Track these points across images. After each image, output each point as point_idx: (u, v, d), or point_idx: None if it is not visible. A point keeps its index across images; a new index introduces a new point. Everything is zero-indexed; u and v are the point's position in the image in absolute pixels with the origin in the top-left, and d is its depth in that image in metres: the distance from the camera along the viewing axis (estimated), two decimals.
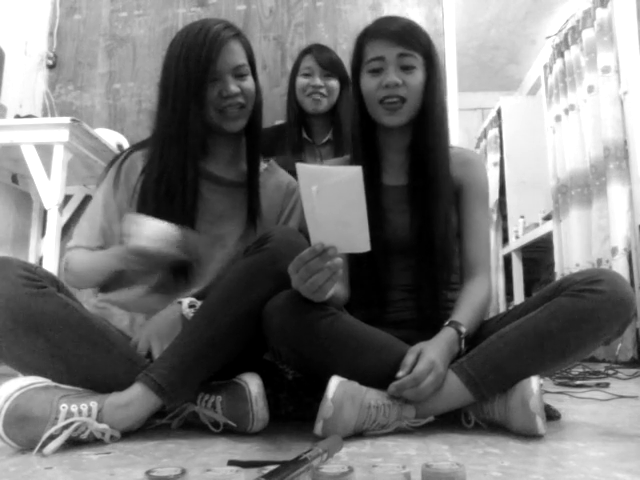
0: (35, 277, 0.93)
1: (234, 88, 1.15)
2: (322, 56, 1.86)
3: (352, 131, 1.26)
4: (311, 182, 0.79)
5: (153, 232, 1.01)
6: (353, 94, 1.24)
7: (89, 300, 1.16)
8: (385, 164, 1.25)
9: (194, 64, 1.12)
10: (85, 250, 1.18)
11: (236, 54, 1.16)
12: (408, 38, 1.15)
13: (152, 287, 1.15)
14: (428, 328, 1.09)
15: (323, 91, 1.84)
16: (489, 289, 1.18)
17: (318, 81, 1.84)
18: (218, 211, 1.22)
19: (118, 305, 1.15)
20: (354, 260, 1.19)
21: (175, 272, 1.14)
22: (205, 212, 1.19)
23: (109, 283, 1.18)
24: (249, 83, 1.19)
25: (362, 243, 0.85)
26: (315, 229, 0.85)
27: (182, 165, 1.14)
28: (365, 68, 1.18)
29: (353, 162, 1.25)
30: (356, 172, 0.79)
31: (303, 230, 0.97)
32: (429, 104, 1.18)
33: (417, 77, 1.16)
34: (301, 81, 1.86)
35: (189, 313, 1.06)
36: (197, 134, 1.15)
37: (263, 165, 1.33)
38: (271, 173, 1.33)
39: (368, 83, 1.17)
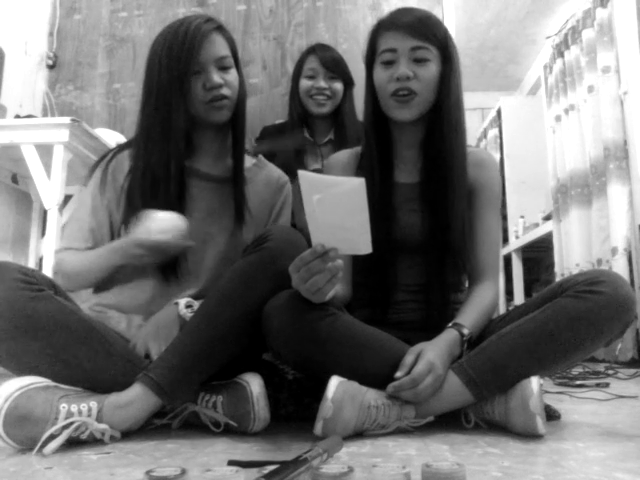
0: (32, 280, 0.93)
1: (217, 79, 1.14)
2: (326, 57, 1.86)
3: (365, 125, 1.24)
4: (313, 191, 0.79)
5: (162, 224, 1.04)
6: (366, 87, 1.22)
7: (84, 304, 1.16)
8: (397, 161, 1.23)
9: (176, 57, 1.11)
10: (76, 251, 1.17)
11: (218, 46, 1.15)
12: (422, 30, 1.12)
13: (148, 289, 1.15)
14: (431, 329, 1.09)
15: (327, 93, 1.84)
16: (496, 294, 1.17)
17: (322, 83, 1.83)
18: (207, 208, 1.21)
19: (114, 308, 1.14)
20: (360, 259, 1.18)
21: (167, 271, 1.14)
22: (194, 209, 1.18)
23: (102, 284, 1.17)
24: (232, 76, 1.18)
25: (364, 245, 0.85)
26: (316, 232, 0.85)
27: (166, 160, 1.13)
28: (378, 60, 1.16)
29: (366, 157, 1.23)
30: (358, 183, 0.78)
31: (303, 230, 0.96)
32: (443, 99, 1.15)
33: (430, 70, 1.13)
34: (305, 83, 1.86)
35: (186, 314, 1.06)
36: (180, 129, 1.14)
37: (252, 160, 1.31)
38: (260, 168, 1.31)
39: (380, 75, 1.16)
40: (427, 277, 1.17)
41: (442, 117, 1.16)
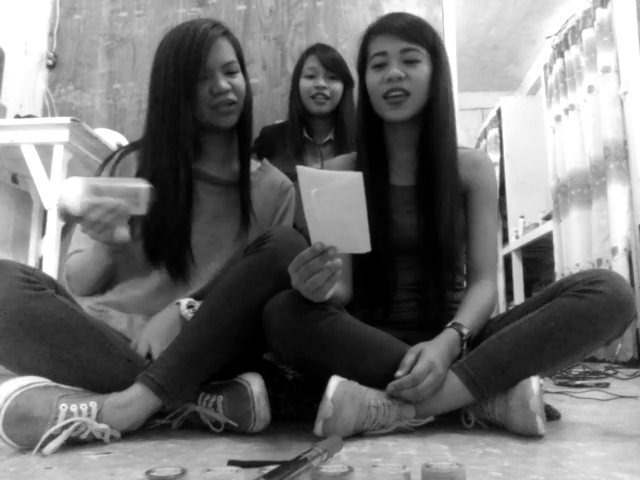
0: (33, 279, 0.93)
1: (225, 85, 1.15)
2: (326, 56, 1.86)
3: (357, 130, 1.25)
4: (311, 185, 0.80)
5: (70, 190, 0.96)
6: (359, 92, 1.23)
7: (85, 302, 1.16)
8: (393, 164, 1.24)
9: (184, 63, 1.11)
10: (81, 253, 1.17)
11: (225, 51, 1.16)
12: (411, 33, 1.14)
13: (151, 289, 1.15)
14: (431, 329, 1.09)
15: (326, 93, 1.84)
16: (494, 293, 1.17)
17: (322, 82, 1.84)
18: (213, 211, 1.22)
19: (116, 307, 1.14)
20: (359, 259, 1.18)
21: (173, 273, 1.14)
22: (201, 213, 1.19)
23: (105, 285, 1.17)
24: (239, 80, 1.18)
25: (362, 244, 0.85)
26: (315, 230, 0.85)
27: (174, 165, 1.13)
28: (369, 64, 1.18)
29: (359, 162, 1.24)
30: (356, 177, 0.79)
31: (303, 230, 0.97)
32: (434, 98, 1.16)
33: (422, 70, 1.14)
34: (305, 83, 1.86)
35: (187, 314, 1.06)
36: (188, 133, 1.14)
37: (256, 164, 1.32)
38: (265, 172, 1.32)
39: (372, 78, 1.17)
40: (423, 277, 1.18)
41: (433, 116, 1.17)
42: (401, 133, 1.22)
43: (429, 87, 1.16)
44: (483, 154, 1.32)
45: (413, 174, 1.22)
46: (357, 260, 1.19)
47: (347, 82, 1.88)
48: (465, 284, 1.24)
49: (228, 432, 0.98)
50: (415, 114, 1.17)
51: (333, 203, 0.80)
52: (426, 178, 1.18)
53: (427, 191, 1.18)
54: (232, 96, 1.16)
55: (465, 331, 1.05)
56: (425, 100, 1.17)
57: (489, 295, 1.15)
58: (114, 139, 2.18)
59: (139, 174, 1.17)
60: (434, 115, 1.17)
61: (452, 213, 1.16)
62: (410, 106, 1.15)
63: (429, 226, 1.16)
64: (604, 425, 1.10)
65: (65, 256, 1.21)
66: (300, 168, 0.80)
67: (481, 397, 0.99)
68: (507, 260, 4.22)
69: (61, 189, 0.98)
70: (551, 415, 1.12)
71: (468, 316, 1.09)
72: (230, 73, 1.17)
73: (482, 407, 1.00)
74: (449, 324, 1.07)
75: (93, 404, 0.89)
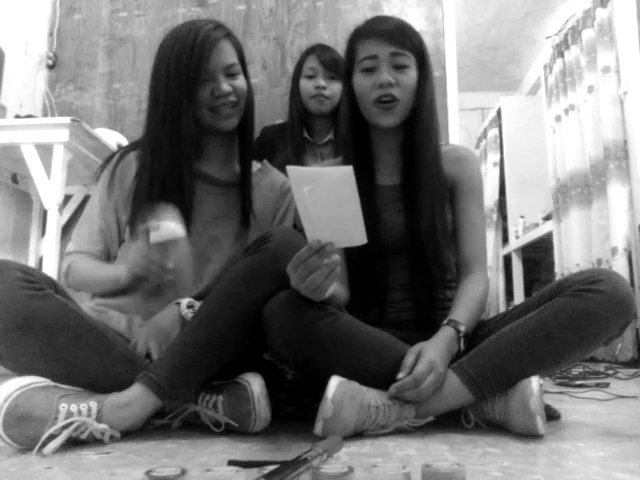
0: (33, 279, 0.93)
1: (226, 87, 1.15)
2: (326, 56, 1.86)
3: (343, 132, 1.25)
4: (303, 184, 0.80)
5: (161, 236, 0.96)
6: (345, 94, 1.23)
7: (85, 303, 1.16)
8: (379, 164, 1.25)
9: (185, 65, 1.11)
10: (87, 256, 1.18)
11: (227, 53, 1.16)
12: (401, 37, 1.14)
13: (150, 291, 1.14)
14: (427, 328, 1.09)
15: (326, 93, 1.83)
16: (486, 286, 1.18)
17: (322, 82, 1.84)
18: (213, 212, 1.22)
19: (115, 308, 1.14)
20: (351, 261, 1.19)
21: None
22: (200, 213, 1.19)
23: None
24: (241, 82, 1.19)
25: (358, 236, 0.85)
26: (310, 227, 0.85)
27: (177, 167, 1.13)
28: (358, 67, 1.18)
29: (344, 163, 1.24)
30: (347, 171, 0.79)
31: (301, 230, 0.97)
32: (420, 104, 1.17)
33: (410, 76, 1.16)
34: (305, 83, 1.86)
35: (187, 314, 1.06)
36: (190, 135, 1.14)
37: (257, 165, 1.32)
38: (265, 173, 1.33)
39: (361, 82, 1.17)
40: (413, 276, 1.18)
41: (418, 121, 1.18)
42: (387, 135, 1.23)
43: (416, 93, 1.17)
44: (467, 150, 1.33)
45: (399, 173, 1.23)
46: (350, 262, 1.19)
47: None
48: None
49: (228, 432, 0.99)
50: (403, 119, 1.18)
51: (326, 199, 0.81)
52: (410, 177, 1.19)
53: (411, 190, 1.19)
54: (233, 98, 1.17)
55: (462, 328, 1.05)
56: (412, 105, 1.18)
57: (481, 288, 1.15)
58: (114, 139, 2.19)
59: (139, 175, 1.17)
60: (419, 121, 1.18)
61: (434, 211, 1.17)
62: (399, 112, 1.16)
63: (414, 224, 1.17)
64: (604, 425, 1.10)
65: (65, 251, 1.21)
66: (290, 168, 0.80)
67: (481, 397, 0.99)
68: (507, 260, 4.22)
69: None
70: (551, 415, 1.12)
71: (463, 312, 1.09)
72: (232, 75, 1.17)
73: (482, 407, 1.00)
74: (445, 322, 1.07)
75: (93, 404, 0.89)
